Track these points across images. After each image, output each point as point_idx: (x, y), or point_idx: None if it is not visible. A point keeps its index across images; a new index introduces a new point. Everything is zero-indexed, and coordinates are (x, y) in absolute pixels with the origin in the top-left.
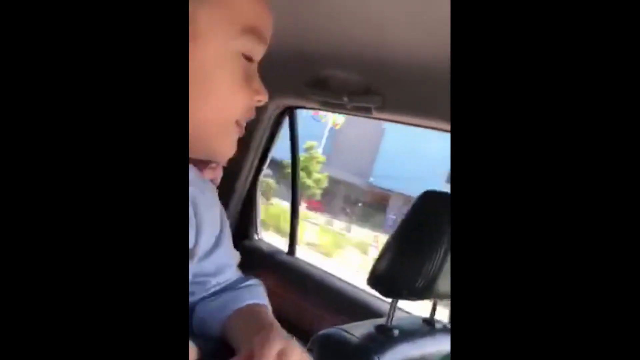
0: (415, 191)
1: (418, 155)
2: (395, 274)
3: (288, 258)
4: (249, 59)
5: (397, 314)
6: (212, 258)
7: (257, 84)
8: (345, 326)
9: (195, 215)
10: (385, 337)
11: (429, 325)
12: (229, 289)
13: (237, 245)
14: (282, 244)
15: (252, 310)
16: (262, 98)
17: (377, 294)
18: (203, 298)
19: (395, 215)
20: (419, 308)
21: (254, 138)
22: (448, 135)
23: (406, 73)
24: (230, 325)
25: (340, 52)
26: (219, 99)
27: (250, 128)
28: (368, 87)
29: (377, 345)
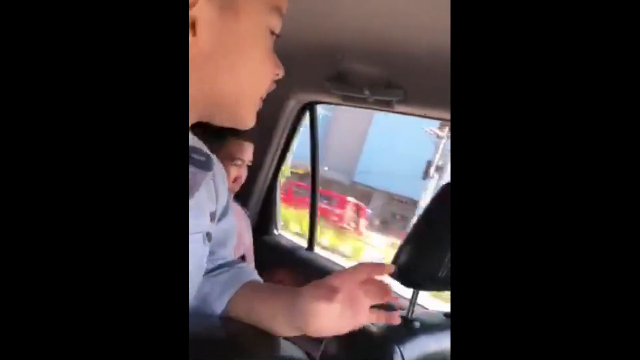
0: (397, 188)
1: (398, 152)
2: (416, 264)
3: (307, 253)
4: (273, 34)
5: (417, 309)
6: (221, 225)
7: (276, 58)
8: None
9: (214, 182)
10: (406, 328)
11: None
12: (229, 266)
13: (256, 240)
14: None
15: (262, 284)
16: (281, 72)
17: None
18: (206, 272)
19: (373, 210)
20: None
21: (274, 134)
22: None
23: (428, 66)
24: (243, 298)
25: (361, 45)
26: (252, 71)
27: (271, 124)
28: (389, 81)
29: (398, 335)
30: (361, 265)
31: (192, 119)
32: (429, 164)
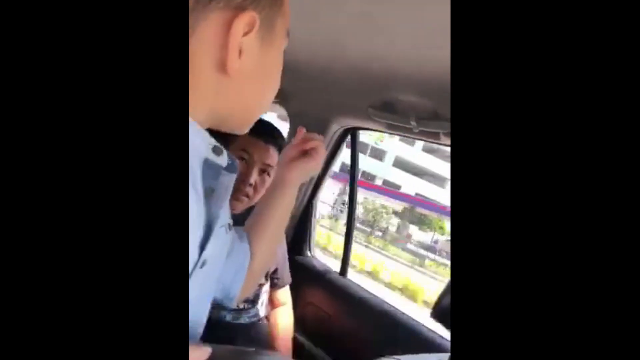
0: None
1: None
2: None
3: (339, 278)
4: None
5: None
6: None
7: None
8: (404, 357)
9: None
10: None
11: None
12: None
13: (290, 260)
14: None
15: (251, 224)
16: None
17: (431, 325)
18: None
19: None
20: None
21: None
22: None
23: None
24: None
25: (409, 75)
26: (272, 90)
27: None
28: (436, 112)
29: None
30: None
31: (205, 125)
32: None
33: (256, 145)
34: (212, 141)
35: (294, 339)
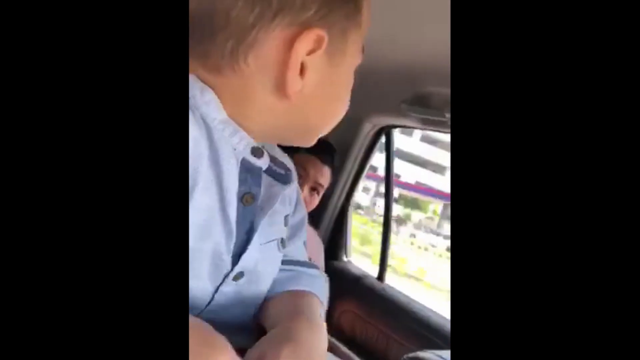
0: None
1: None
2: None
3: (377, 284)
4: None
5: None
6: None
7: None
8: (440, 352)
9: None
10: None
11: None
12: (291, 264)
13: (325, 265)
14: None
15: (293, 298)
16: None
17: None
18: None
19: None
20: None
21: (348, 158)
22: None
23: None
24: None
25: (441, 67)
26: (341, 109)
27: (345, 148)
28: None
29: None
30: None
31: (260, 140)
32: None
33: (312, 162)
34: (252, 141)
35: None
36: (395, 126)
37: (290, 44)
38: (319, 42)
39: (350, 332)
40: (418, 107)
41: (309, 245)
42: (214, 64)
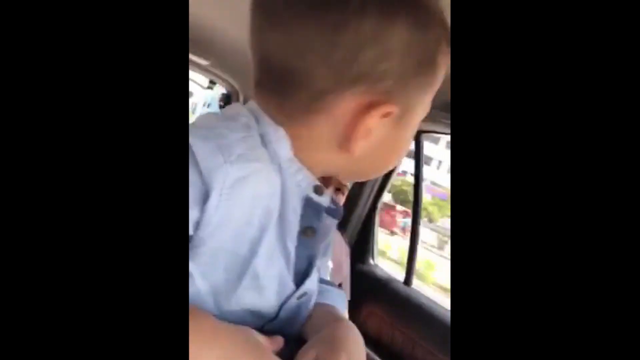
0: None
1: None
2: None
3: (403, 288)
4: None
5: None
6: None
7: None
8: None
9: None
10: None
11: None
12: (319, 282)
13: (352, 268)
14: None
15: (322, 313)
16: None
17: None
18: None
19: None
20: None
21: None
22: None
23: None
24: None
25: None
26: (397, 160)
27: None
28: None
29: None
30: None
31: (319, 174)
32: None
33: None
34: (314, 180)
35: None
36: (426, 131)
37: (362, 111)
38: (388, 112)
39: (375, 335)
40: (449, 113)
41: (337, 252)
42: (287, 112)
